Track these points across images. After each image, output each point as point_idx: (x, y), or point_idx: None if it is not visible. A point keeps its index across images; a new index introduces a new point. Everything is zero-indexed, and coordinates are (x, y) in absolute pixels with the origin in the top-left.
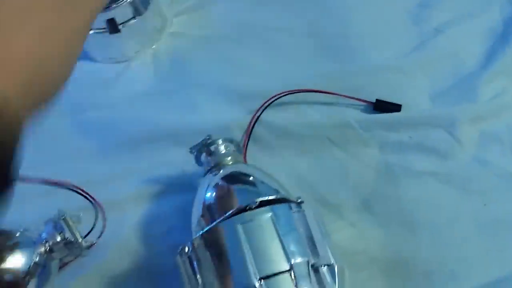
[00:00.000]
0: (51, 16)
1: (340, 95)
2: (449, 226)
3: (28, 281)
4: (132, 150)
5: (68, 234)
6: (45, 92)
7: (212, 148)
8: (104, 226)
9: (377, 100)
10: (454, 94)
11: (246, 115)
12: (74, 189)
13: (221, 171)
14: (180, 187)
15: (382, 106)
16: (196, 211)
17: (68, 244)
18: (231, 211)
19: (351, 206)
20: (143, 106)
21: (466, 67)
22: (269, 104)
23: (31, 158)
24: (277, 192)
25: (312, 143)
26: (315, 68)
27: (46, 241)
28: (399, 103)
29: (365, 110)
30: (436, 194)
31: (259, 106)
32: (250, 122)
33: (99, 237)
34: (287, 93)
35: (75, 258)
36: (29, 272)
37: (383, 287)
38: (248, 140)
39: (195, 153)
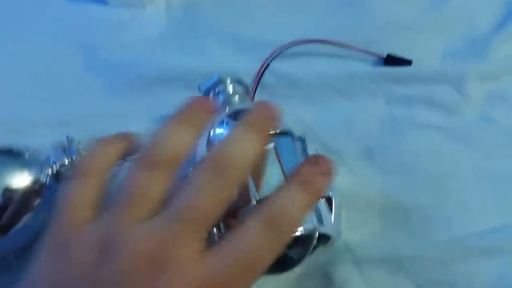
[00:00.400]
0: None
1: (351, 46)
2: (450, 177)
3: (34, 201)
4: (143, 90)
5: (76, 157)
6: None
7: (220, 87)
8: None
9: (388, 55)
10: (465, 54)
11: (256, 63)
12: None
13: (228, 109)
14: None
15: (392, 61)
16: (201, 146)
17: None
18: None
19: (353, 153)
20: (154, 49)
21: (480, 28)
22: (279, 53)
23: (43, 92)
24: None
25: (319, 93)
26: (328, 20)
27: (54, 163)
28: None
29: (375, 64)
30: (439, 147)
31: (269, 55)
32: (260, 69)
33: None
34: (298, 42)
35: None
36: (36, 192)
37: (380, 228)
38: (257, 86)
39: (203, 90)
